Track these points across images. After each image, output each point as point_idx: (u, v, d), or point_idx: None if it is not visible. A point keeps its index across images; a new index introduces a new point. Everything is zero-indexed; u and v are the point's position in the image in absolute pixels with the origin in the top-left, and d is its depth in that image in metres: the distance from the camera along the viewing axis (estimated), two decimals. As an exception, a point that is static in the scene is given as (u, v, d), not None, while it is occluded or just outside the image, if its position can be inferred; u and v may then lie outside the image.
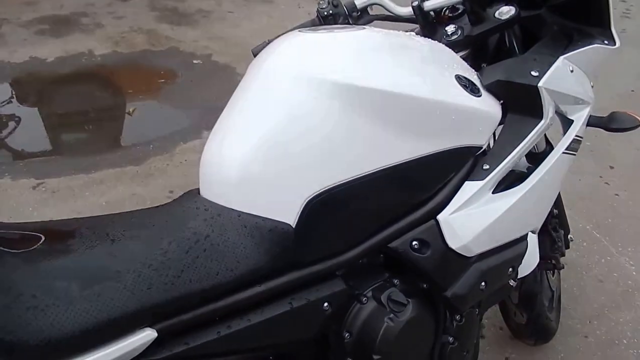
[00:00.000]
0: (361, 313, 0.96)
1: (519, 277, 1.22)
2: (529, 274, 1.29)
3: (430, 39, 1.10)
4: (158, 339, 0.72)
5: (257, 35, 4.53)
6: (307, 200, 0.84)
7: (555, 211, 1.53)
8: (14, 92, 3.52)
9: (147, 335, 0.71)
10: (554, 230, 1.52)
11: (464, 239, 0.97)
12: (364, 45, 0.91)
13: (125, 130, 3.20)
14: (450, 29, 1.16)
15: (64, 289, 0.66)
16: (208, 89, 3.65)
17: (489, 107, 1.00)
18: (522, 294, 1.53)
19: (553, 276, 1.72)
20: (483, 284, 1.03)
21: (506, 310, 1.64)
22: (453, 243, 0.97)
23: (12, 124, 3.18)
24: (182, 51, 4.24)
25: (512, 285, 1.22)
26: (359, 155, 0.86)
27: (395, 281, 1.00)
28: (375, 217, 0.93)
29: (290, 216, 0.84)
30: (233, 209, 0.84)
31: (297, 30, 1.05)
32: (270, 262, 0.83)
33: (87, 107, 3.39)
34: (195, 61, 4.09)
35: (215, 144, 0.93)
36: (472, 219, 0.97)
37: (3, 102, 3.39)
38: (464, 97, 0.95)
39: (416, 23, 1.22)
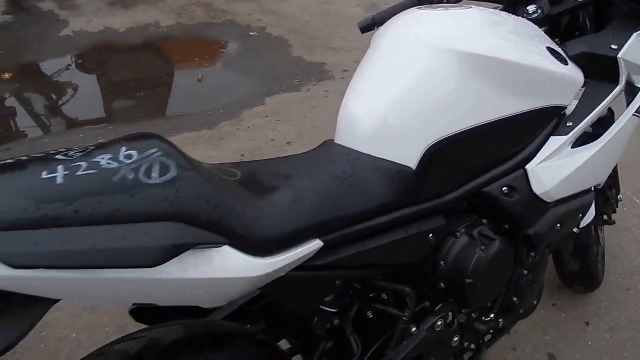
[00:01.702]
0: (455, 246, 1.18)
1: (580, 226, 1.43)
2: (585, 225, 1.50)
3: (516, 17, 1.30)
4: (323, 248, 0.96)
5: (305, 10, 4.75)
6: (427, 148, 1.05)
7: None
8: (96, 60, 3.79)
9: (316, 244, 0.93)
10: (609, 188, 1.72)
11: (547, 186, 1.19)
12: (475, 20, 1.12)
13: (197, 96, 3.45)
14: (531, 8, 1.35)
15: (264, 206, 0.90)
16: (265, 59, 3.87)
17: (574, 74, 1.20)
18: (578, 243, 1.74)
19: (601, 232, 1.92)
20: (559, 225, 1.25)
21: (560, 258, 1.85)
22: (538, 190, 1.18)
23: (104, 91, 3.47)
24: (239, 24, 4.47)
25: (575, 232, 1.43)
26: (470, 111, 1.07)
27: (484, 221, 1.23)
28: (476, 165, 1.15)
29: (412, 161, 1.05)
30: (368, 154, 1.06)
31: (415, 7, 1.25)
32: (395, 198, 1.05)
33: (161, 73, 3.65)
34: (251, 33, 4.32)
35: (351, 102, 1.14)
36: (554, 169, 1.19)
37: (88, 68, 3.67)
38: (555, 65, 1.15)
39: (500, 3, 1.42)
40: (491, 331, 1.35)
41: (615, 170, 1.77)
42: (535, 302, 1.42)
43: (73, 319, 1.81)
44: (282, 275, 0.90)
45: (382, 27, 1.21)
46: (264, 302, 1.19)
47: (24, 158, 0.73)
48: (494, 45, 1.08)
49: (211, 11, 4.63)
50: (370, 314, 1.16)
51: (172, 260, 0.71)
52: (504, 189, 1.18)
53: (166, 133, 3.01)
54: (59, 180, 0.67)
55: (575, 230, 1.42)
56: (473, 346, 1.33)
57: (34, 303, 0.69)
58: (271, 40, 4.20)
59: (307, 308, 1.05)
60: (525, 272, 1.30)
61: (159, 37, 4.11)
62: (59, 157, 0.71)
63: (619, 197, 1.83)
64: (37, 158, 0.71)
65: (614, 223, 1.77)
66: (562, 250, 1.79)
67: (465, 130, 1.07)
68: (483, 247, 1.16)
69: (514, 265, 1.28)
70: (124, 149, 0.74)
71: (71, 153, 0.73)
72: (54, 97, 3.31)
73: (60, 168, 0.69)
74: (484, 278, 1.17)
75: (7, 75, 3.46)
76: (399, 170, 1.04)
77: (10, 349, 0.67)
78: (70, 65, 3.68)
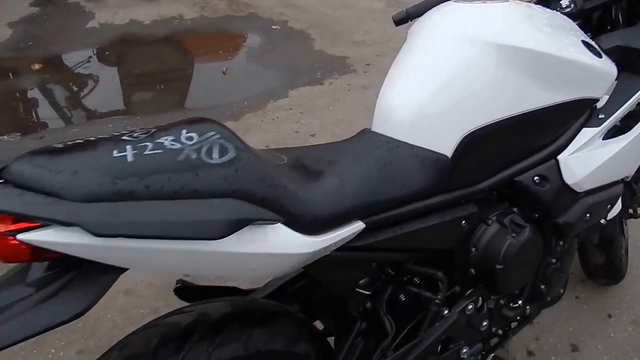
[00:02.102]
0: (487, 232, 1.22)
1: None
2: (611, 218, 1.52)
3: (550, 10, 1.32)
4: (364, 230, 1.00)
5: (326, 4, 4.77)
6: (462, 137, 1.09)
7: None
8: (122, 52, 3.87)
9: (358, 226, 0.98)
10: (635, 182, 1.74)
11: (578, 176, 1.22)
12: (512, 13, 1.15)
13: (222, 87, 3.51)
14: (564, 2, 1.38)
15: (312, 187, 0.94)
16: (288, 52, 3.92)
17: (607, 67, 1.22)
18: (603, 236, 1.76)
19: (625, 225, 1.94)
20: (588, 215, 1.28)
21: (585, 251, 1.88)
22: (569, 179, 1.21)
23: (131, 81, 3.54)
24: (261, 17, 4.52)
25: (602, 224, 1.46)
26: (506, 102, 1.10)
27: (514, 210, 1.26)
28: (509, 154, 1.18)
29: (448, 149, 1.09)
30: (406, 142, 1.10)
31: (451, 0, 1.28)
32: (431, 185, 1.09)
33: (186, 66, 3.72)
34: (273, 26, 4.36)
35: (389, 92, 1.18)
36: (586, 160, 1.22)
37: (114, 60, 3.75)
38: (590, 58, 1.17)
39: None
40: (518, 317, 1.39)
41: (642, 164, 1.79)
42: (562, 291, 1.45)
43: (109, 302, 1.88)
44: (326, 254, 0.95)
45: (419, 20, 1.25)
46: (300, 284, 1.24)
47: (91, 138, 0.78)
48: (531, 37, 1.11)
49: (234, 4, 4.68)
50: (402, 297, 1.20)
51: (232, 235, 0.76)
52: (536, 178, 1.21)
53: (192, 123, 3.07)
54: (130, 158, 0.73)
55: (602, 221, 1.44)
56: (500, 332, 1.37)
57: (103, 273, 0.75)
58: (293, 34, 4.24)
59: (344, 288, 1.09)
60: (554, 260, 1.33)
61: (183, 29, 4.18)
62: (125, 137, 0.77)
63: (646, 191, 1.84)
64: (105, 139, 0.77)
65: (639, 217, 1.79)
66: (586, 243, 1.82)
67: (501, 120, 1.11)
68: (514, 235, 1.20)
69: (542, 253, 1.31)
70: (184, 131, 0.79)
71: (135, 134, 0.78)
72: (82, 87, 3.39)
73: (128, 147, 0.74)
74: (513, 264, 1.21)
75: (36, 66, 3.54)
76: (435, 158, 1.08)
77: (80, 315, 0.73)
78: (94, 57, 3.76)
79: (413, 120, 1.11)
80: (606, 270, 1.90)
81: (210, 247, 0.75)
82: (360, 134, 1.17)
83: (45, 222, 0.66)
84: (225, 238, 0.75)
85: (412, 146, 1.09)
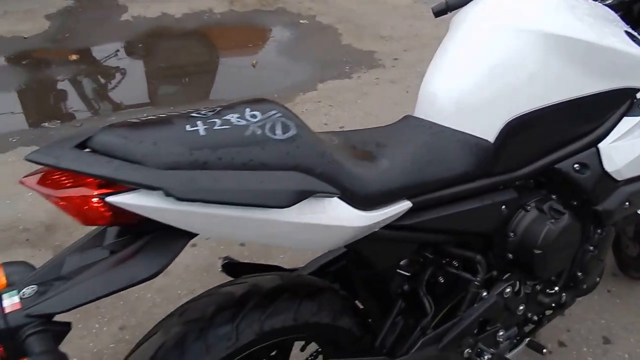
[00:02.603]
0: (525, 218, 1.24)
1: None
2: (648, 210, 1.53)
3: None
4: (410, 209, 1.04)
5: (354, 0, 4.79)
6: (505, 123, 1.12)
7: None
8: (155, 44, 3.94)
9: (406, 204, 1.02)
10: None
11: (618, 164, 1.23)
12: (555, 3, 1.17)
13: (252, 80, 3.56)
14: None
15: (364, 166, 0.98)
16: (316, 46, 3.96)
17: None
18: (638, 228, 1.77)
19: (659, 219, 1.94)
20: (627, 203, 1.29)
21: (619, 243, 1.88)
22: (609, 167, 1.23)
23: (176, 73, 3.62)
24: (289, 12, 4.56)
25: (638, 215, 1.47)
26: (549, 89, 1.12)
27: (553, 197, 1.28)
28: (550, 141, 1.20)
29: (491, 135, 1.12)
30: (449, 127, 1.13)
31: None
32: (473, 169, 1.12)
33: (217, 58, 3.78)
34: (301, 21, 4.40)
35: (432, 79, 1.20)
36: (626, 148, 1.23)
37: (148, 52, 3.83)
38: (633, 48, 1.19)
39: None
40: (553, 304, 1.41)
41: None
42: (598, 279, 1.46)
43: (148, 282, 1.94)
44: (375, 231, 0.98)
45: (462, 10, 1.27)
46: (340, 264, 1.28)
47: (163, 115, 0.83)
48: (574, 26, 1.13)
49: (262, -1, 4.74)
50: (441, 279, 1.24)
51: (294, 205, 0.80)
52: (576, 165, 1.23)
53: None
54: (202, 132, 0.78)
55: (639, 211, 1.45)
56: (535, 317, 1.39)
57: (174, 238, 0.80)
58: (321, 28, 4.28)
59: (387, 266, 1.13)
60: (591, 247, 1.35)
61: (213, 23, 4.24)
62: (194, 114, 0.82)
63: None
64: (176, 115, 0.82)
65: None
66: (621, 234, 1.82)
67: (543, 107, 1.13)
68: (553, 221, 1.22)
69: (580, 241, 1.33)
70: (247, 109, 0.84)
71: (203, 112, 0.83)
72: (114, 79, 3.47)
73: (199, 123, 0.79)
74: (552, 250, 1.23)
75: (73, 57, 3.63)
76: (478, 143, 1.11)
77: (156, 275, 0.78)
78: (127, 49, 3.84)
79: (456, 106, 1.14)
80: (639, 263, 1.90)
81: (274, 216, 0.80)
82: (403, 120, 1.20)
83: (133, 186, 0.71)
84: (289, 208, 0.79)
85: (456, 131, 1.12)
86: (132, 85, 3.44)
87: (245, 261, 1.23)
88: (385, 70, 3.62)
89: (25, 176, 0.78)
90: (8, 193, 2.36)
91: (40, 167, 0.76)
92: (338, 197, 0.87)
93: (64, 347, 1.48)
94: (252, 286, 1.02)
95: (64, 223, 2.21)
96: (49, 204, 2.22)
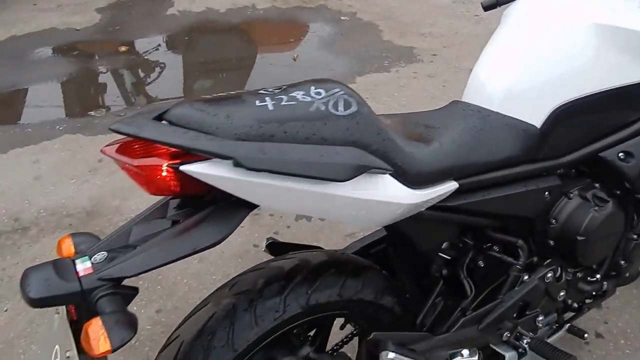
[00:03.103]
0: (568, 205, 1.26)
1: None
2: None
3: None
4: (457, 190, 1.08)
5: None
6: (553, 109, 1.14)
7: None
8: (201, 37, 4.06)
9: (452, 185, 1.05)
10: None
11: None
12: None
13: (293, 73, 3.63)
14: None
15: (415, 146, 1.02)
16: (356, 42, 4.00)
17: None
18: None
19: None
20: None
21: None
22: None
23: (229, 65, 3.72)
24: (330, 9, 4.61)
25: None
26: (598, 77, 1.15)
27: (596, 185, 1.30)
28: (596, 129, 1.22)
29: (538, 120, 1.15)
30: (497, 112, 1.17)
31: None
32: (519, 153, 1.14)
33: (260, 52, 3.86)
34: (342, 17, 4.45)
35: (483, 65, 1.23)
36: None
37: (194, 45, 3.94)
38: None
39: None
40: (594, 292, 1.42)
41: None
42: (640, 269, 1.47)
43: (184, 267, 2.03)
44: (422, 210, 1.03)
45: (514, 3, 1.30)
46: (380, 247, 1.32)
47: (233, 92, 0.89)
48: (626, 17, 1.15)
49: (304, -5, 4.80)
50: (481, 263, 1.27)
51: (350, 180, 0.85)
52: (620, 154, 1.24)
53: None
54: (270, 107, 0.84)
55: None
56: (575, 305, 1.41)
57: (235, 209, 0.86)
58: (362, 25, 4.32)
59: (430, 248, 1.17)
60: (635, 236, 1.36)
61: (256, 18, 4.34)
62: (262, 92, 0.88)
63: None
64: (247, 92, 0.88)
65: None
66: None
67: (591, 95, 1.15)
68: (596, 208, 1.24)
69: (624, 229, 1.34)
70: (312, 87, 0.90)
71: (270, 90, 0.89)
72: (164, 68, 3.58)
73: (267, 99, 0.85)
74: (595, 237, 1.25)
75: (123, 48, 3.78)
76: (525, 128, 1.14)
77: (218, 244, 0.84)
78: (173, 42, 3.96)
79: (506, 92, 1.17)
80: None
81: (332, 190, 0.85)
82: (452, 104, 1.24)
83: (206, 156, 0.77)
84: (346, 182, 0.85)
85: (504, 116, 1.15)
86: (171, 77, 3.55)
87: (288, 241, 1.29)
88: (424, 65, 3.64)
89: (106, 146, 0.85)
90: (53, 180, 2.47)
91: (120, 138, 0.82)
92: (390, 174, 0.92)
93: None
94: (300, 261, 1.07)
95: (104, 210, 2.31)
96: (91, 191, 2.36)
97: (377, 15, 4.45)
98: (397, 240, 1.26)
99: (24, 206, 2.33)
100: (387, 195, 0.92)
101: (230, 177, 0.78)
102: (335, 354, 1.28)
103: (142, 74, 3.52)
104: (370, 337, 1.05)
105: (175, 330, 1.02)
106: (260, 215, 2.31)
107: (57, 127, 2.89)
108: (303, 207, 0.88)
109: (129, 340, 0.75)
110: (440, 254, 1.23)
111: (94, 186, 2.44)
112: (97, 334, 0.74)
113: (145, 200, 2.08)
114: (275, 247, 1.27)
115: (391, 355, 1.01)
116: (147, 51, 3.82)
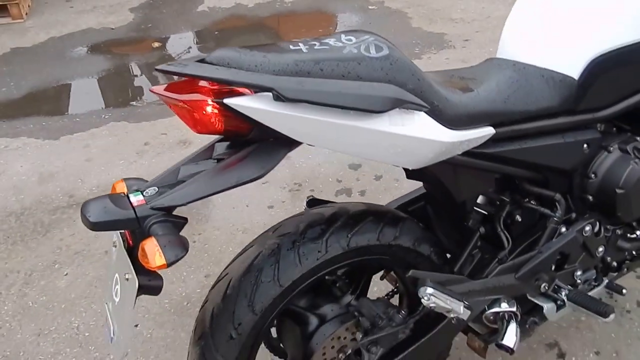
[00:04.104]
0: (608, 159, 1.24)
1: None
2: None
3: None
4: (494, 136, 1.07)
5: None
6: (590, 60, 1.13)
7: None
8: (232, 30, 4.14)
9: (489, 130, 1.05)
10: None
11: None
12: None
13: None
14: None
15: (451, 91, 1.02)
16: (385, 29, 3.99)
17: None
18: None
19: None
20: None
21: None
22: None
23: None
24: (358, -2, 4.63)
25: None
26: (635, 27, 1.12)
27: (638, 138, 1.28)
28: (635, 81, 1.20)
29: (576, 71, 1.13)
30: (532, 64, 1.16)
31: None
32: (557, 104, 1.13)
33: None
34: (370, 7, 4.46)
35: (514, 20, 1.23)
36: None
37: (226, 37, 4.03)
38: None
39: None
40: (634, 252, 1.40)
41: None
42: (683, 228, 1.43)
43: (229, 237, 2.09)
44: (458, 155, 1.03)
45: None
46: (419, 204, 1.34)
47: (268, 42, 0.93)
48: None
49: (331, -13, 4.84)
50: (519, 217, 1.26)
51: (386, 114, 0.87)
52: None
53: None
54: (304, 50, 0.87)
55: None
56: (615, 264, 1.38)
57: (276, 148, 0.89)
58: (390, 13, 4.31)
59: (467, 198, 1.17)
60: None
61: (284, 10, 4.39)
62: (294, 41, 0.91)
63: None
64: (279, 42, 0.91)
65: None
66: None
67: (629, 45, 1.13)
68: (637, 160, 1.22)
69: None
70: (343, 35, 0.92)
71: (301, 40, 0.92)
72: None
73: (301, 44, 0.88)
74: (634, 190, 1.23)
75: (156, 44, 3.88)
76: (562, 79, 1.14)
77: (260, 178, 0.87)
78: (205, 36, 4.04)
79: (541, 44, 1.17)
80: None
81: (369, 124, 0.87)
82: (487, 61, 1.24)
83: (247, 90, 0.80)
84: (382, 116, 0.87)
85: (539, 68, 1.14)
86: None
87: (327, 199, 1.31)
88: (456, 51, 3.61)
89: (154, 86, 0.90)
90: (103, 161, 2.59)
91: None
92: (426, 112, 0.93)
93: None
94: (340, 209, 1.10)
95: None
96: (139, 170, 2.45)
97: (406, 3, 4.44)
98: (436, 195, 1.27)
99: (77, 184, 2.45)
100: (424, 132, 0.93)
101: (271, 110, 0.81)
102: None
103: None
104: (409, 273, 1.07)
105: (224, 269, 1.06)
106: (301, 190, 2.35)
107: (103, 116, 3.01)
108: (341, 144, 0.90)
109: (182, 257, 0.80)
110: (477, 209, 1.24)
111: (142, 166, 2.54)
112: (153, 250, 0.78)
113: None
114: (315, 203, 1.30)
115: (430, 290, 1.03)
116: (179, 47, 3.92)
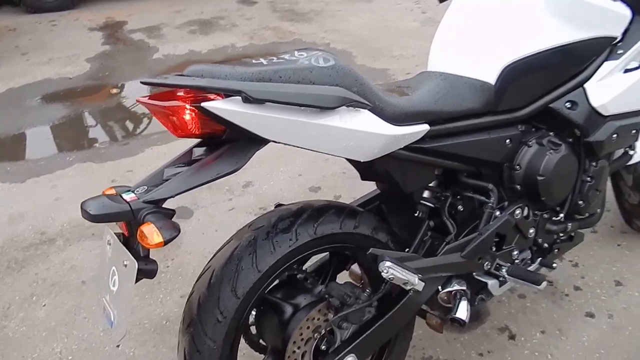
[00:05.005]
0: (528, 152, 1.47)
1: (636, 161, 1.70)
2: (642, 160, 1.74)
3: None
4: (429, 132, 1.27)
5: (365, 27, 5.20)
6: (503, 67, 1.37)
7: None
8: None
9: (424, 127, 1.25)
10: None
11: (603, 100, 1.47)
12: None
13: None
14: None
15: (390, 95, 1.22)
16: (333, 70, 4.28)
17: (621, 10, 1.46)
18: (636, 176, 1.97)
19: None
20: (615, 135, 1.52)
21: (620, 193, 2.06)
22: (594, 102, 1.47)
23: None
24: (305, 41, 4.93)
25: (630, 155, 1.69)
26: (539, 38, 1.37)
27: (551, 133, 1.52)
28: (544, 83, 1.44)
29: (492, 78, 1.37)
30: (457, 74, 1.39)
31: None
32: (480, 106, 1.36)
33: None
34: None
35: (439, 38, 1.48)
36: (608, 87, 1.47)
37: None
38: (607, 3, 1.43)
39: None
40: (561, 234, 1.62)
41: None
42: (598, 210, 1.67)
43: (201, 260, 2.18)
44: (400, 148, 1.23)
45: None
46: (374, 204, 1.52)
47: (236, 61, 1.11)
48: None
49: (279, 33, 5.13)
50: (461, 207, 1.47)
51: (336, 111, 1.06)
52: (567, 103, 1.47)
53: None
54: (264, 63, 1.06)
55: (630, 152, 1.68)
56: (546, 245, 1.60)
57: (247, 147, 1.06)
58: (336, 53, 4.59)
59: (414, 189, 1.37)
60: (588, 178, 1.57)
61: (236, 55, 4.63)
62: (256, 56, 1.10)
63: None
64: (244, 59, 1.09)
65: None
66: (620, 185, 2.03)
67: (535, 54, 1.38)
68: (551, 151, 1.46)
69: (577, 172, 1.56)
70: (296, 52, 1.12)
71: (259, 57, 1.11)
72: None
73: (262, 59, 1.07)
74: (553, 176, 1.46)
75: (114, 90, 4.01)
76: (482, 84, 1.37)
77: (235, 172, 1.04)
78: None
79: (461, 56, 1.42)
80: (640, 210, 2.08)
81: (323, 120, 1.06)
82: (419, 74, 1.47)
83: (219, 95, 0.97)
84: (332, 113, 1.06)
85: (462, 77, 1.38)
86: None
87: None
88: (399, 83, 3.92)
89: (139, 97, 1.06)
90: (72, 199, 2.66)
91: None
92: (369, 109, 1.13)
93: (134, 314, 1.75)
94: (305, 205, 1.27)
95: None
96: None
97: (350, 44, 4.77)
98: (388, 192, 1.46)
99: (48, 222, 2.51)
100: (369, 127, 1.13)
101: (240, 111, 0.98)
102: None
103: (135, 110, 3.74)
104: (369, 252, 1.23)
105: (207, 263, 1.20)
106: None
107: (68, 158, 3.09)
108: (301, 138, 1.08)
109: (176, 236, 0.94)
110: (425, 202, 1.43)
111: (109, 203, 2.61)
112: (151, 230, 0.93)
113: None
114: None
115: (388, 263, 1.20)
116: (137, 91, 4.06)
